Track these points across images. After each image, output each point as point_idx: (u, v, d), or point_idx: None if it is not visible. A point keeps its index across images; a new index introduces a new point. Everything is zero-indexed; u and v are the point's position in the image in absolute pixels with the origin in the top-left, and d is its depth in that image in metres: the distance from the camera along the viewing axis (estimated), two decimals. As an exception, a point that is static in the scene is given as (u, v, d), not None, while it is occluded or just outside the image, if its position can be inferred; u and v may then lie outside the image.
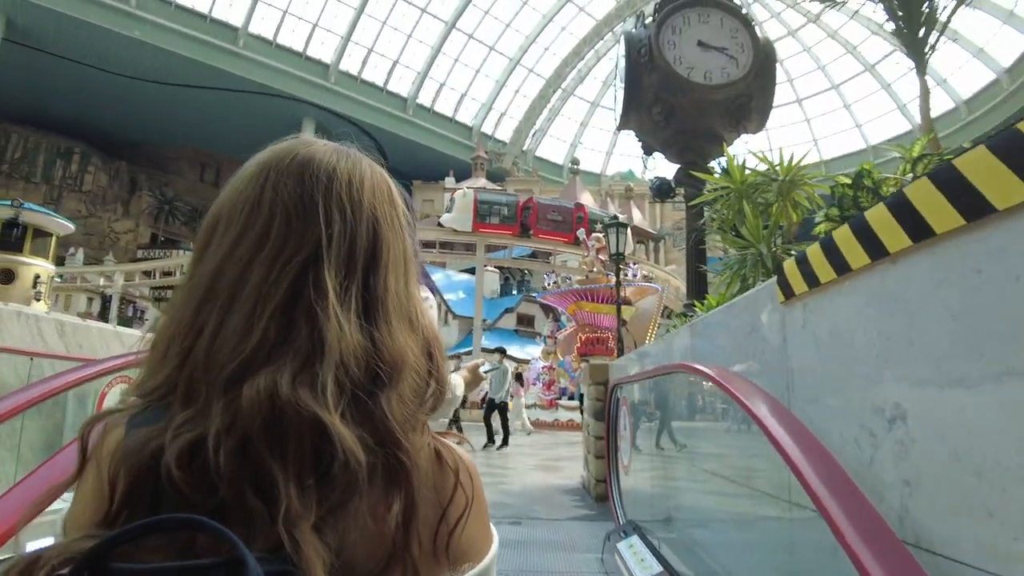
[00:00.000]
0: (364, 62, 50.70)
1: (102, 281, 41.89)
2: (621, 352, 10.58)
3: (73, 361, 3.92)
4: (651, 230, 43.02)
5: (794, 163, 4.22)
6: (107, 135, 58.19)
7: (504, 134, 56.11)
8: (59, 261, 49.85)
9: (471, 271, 33.86)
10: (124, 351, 4.40)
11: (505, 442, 12.39)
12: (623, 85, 7.25)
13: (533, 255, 34.91)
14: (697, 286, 6.68)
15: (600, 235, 23.04)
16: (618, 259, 10.91)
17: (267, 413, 0.54)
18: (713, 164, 7.28)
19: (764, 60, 7.37)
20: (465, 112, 55.58)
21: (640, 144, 7.54)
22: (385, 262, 0.66)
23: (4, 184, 55.14)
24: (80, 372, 2.89)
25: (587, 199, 38.63)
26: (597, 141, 57.08)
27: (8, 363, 3.41)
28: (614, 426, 4.18)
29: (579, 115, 56.10)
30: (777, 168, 4.33)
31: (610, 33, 51.04)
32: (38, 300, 16.07)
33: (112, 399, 3.82)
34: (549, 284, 24.37)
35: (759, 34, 7.49)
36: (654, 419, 3.84)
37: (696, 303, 5.48)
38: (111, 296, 41.97)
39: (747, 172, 4.66)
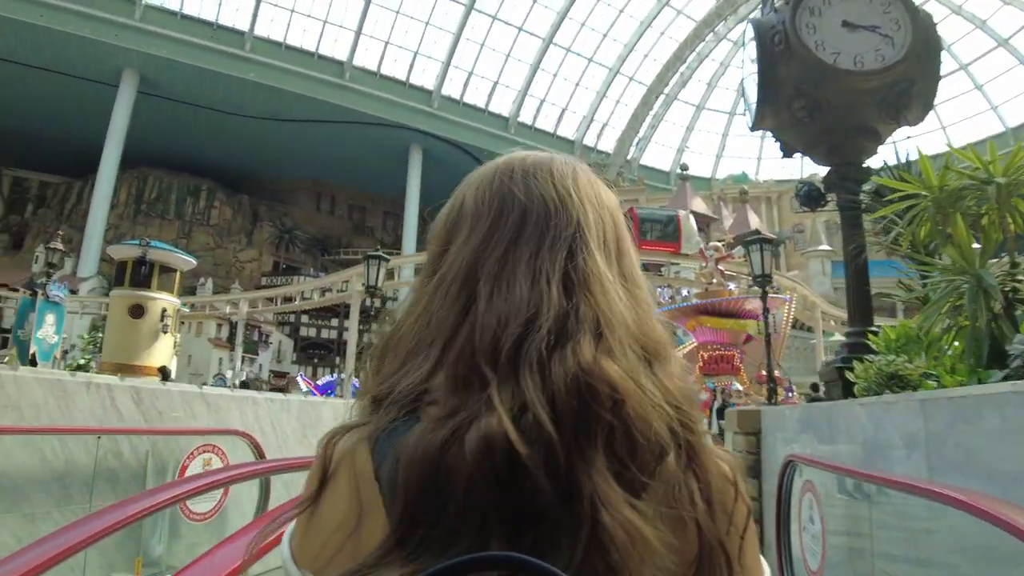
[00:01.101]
0: (465, 85, 51.54)
1: (228, 308, 44.37)
2: (773, 393, 9.10)
3: (147, 434, 3.48)
4: (771, 235, 40.54)
5: (1018, 158, 3.16)
6: (230, 172, 62.32)
7: (607, 145, 55.28)
8: (190, 291, 53.81)
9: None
10: (208, 414, 3.93)
11: None
12: (754, 79, 6.27)
13: (645, 268, 33.86)
14: (860, 309, 5.57)
15: (719, 243, 21.60)
16: (764, 281, 9.43)
17: (580, 386, 0.53)
18: (869, 163, 6.20)
19: (925, 37, 6.18)
20: (566, 126, 55.29)
21: (779, 144, 6.49)
22: (628, 251, 0.67)
23: (143, 222, 60.21)
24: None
25: (699, 205, 36.81)
26: (705, 145, 55.14)
27: (78, 441, 3.01)
28: (787, 510, 3.25)
29: (684, 119, 54.40)
30: (988, 167, 3.30)
31: (711, 34, 49.37)
32: (165, 332, 16.85)
33: (195, 470, 3.26)
34: (664, 299, 23.10)
35: (916, 6, 6.30)
36: (879, 532, 2.81)
37: (871, 336, 4.45)
38: (237, 322, 44.39)
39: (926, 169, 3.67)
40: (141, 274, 16.69)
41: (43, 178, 59.47)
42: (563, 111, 53.98)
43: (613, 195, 0.70)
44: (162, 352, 16.98)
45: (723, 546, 0.54)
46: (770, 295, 20.19)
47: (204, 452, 3.29)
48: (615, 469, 0.51)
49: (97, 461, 2.91)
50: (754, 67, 6.34)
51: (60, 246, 13.66)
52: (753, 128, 6.48)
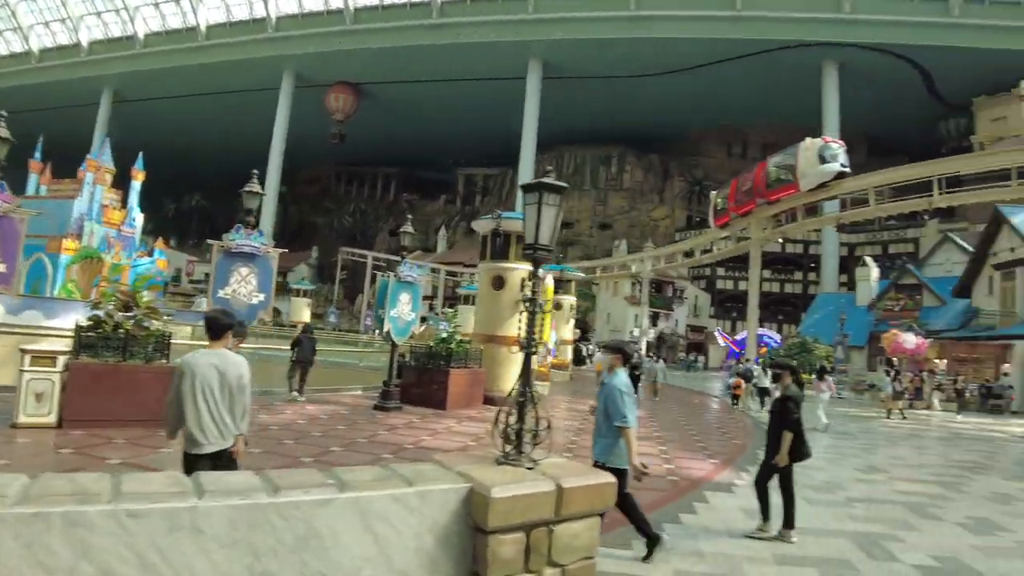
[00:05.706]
0: (881, -29, 41.95)
1: (634, 267, 44.99)
2: None
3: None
4: None
5: None
6: (638, 135, 63.32)
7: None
8: (607, 253, 55.96)
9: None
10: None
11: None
12: None
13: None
14: None
15: None
16: None
17: None
18: None
19: None
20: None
21: None
22: None
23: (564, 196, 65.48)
24: None
25: None
26: None
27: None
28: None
29: None
30: None
31: None
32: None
33: None
34: None
35: None
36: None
37: None
38: (642, 280, 44.85)
39: None
40: (497, 246, 16.89)
41: (485, 172, 71.23)
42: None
43: None
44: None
45: None
46: None
47: None
48: None
49: None
50: None
51: (410, 229, 14.37)
52: None
